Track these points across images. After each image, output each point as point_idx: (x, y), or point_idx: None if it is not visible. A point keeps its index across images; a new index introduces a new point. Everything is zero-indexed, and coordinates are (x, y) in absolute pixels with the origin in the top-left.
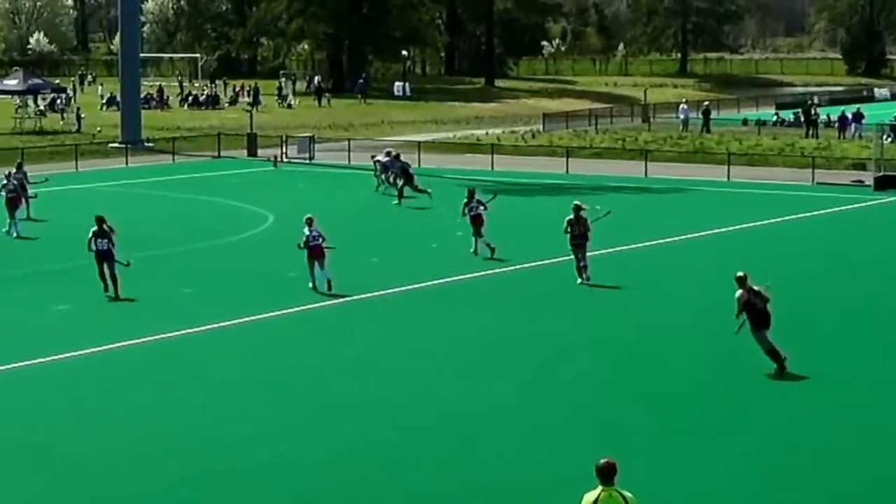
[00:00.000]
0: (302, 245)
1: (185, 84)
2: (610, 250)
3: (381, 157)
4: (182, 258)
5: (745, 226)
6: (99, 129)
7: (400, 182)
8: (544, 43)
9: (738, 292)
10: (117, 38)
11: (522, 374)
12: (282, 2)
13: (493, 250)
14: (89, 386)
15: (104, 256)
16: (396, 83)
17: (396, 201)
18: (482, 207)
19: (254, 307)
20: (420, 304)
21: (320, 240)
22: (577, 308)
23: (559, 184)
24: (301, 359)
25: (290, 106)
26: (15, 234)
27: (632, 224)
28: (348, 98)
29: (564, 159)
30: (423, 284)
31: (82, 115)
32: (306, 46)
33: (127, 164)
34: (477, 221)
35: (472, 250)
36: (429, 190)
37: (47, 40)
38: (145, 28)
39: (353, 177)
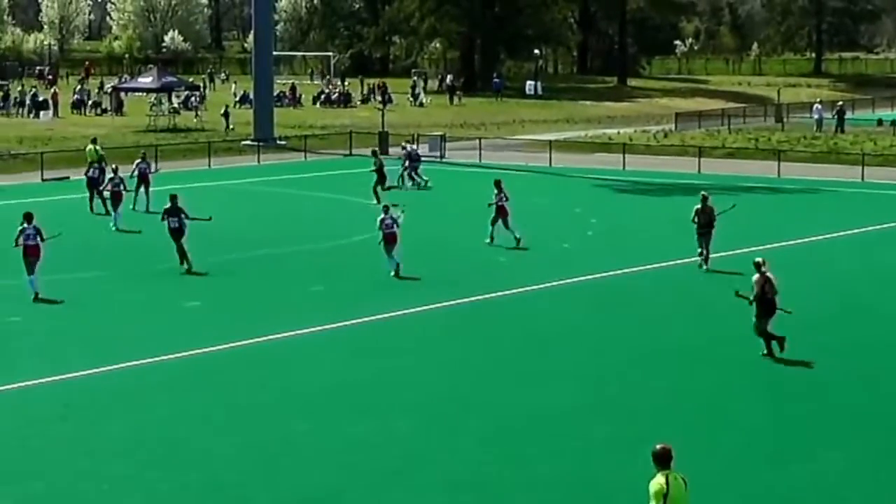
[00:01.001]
0: (379, 233)
1: (325, 80)
2: (743, 250)
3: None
4: (311, 256)
5: (879, 227)
6: (231, 126)
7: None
8: (677, 42)
9: (755, 276)
10: (251, 37)
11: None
12: (415, 1)
13: (518, 240)
14: (219, 382)
15: (176, 233)
16: (528, 82)
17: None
18: (506, 199)
19: (380, 306)
20: (542, 304)
21: (394, 227)
22: (707, 308)
23: (691, 184)
24: (427, 359)
25: (421, 104)
26: (115, 228)
27: (764, 224)
28: (480, 97)
29: (697, 159)
30: (547, 284)
31: (228, 114)
32: (438, 45)
33: (259, 161)
34: (501, 213)
35: (487, 241)
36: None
37: (182, 38)
38: (279, 26)
39: (484, 175)
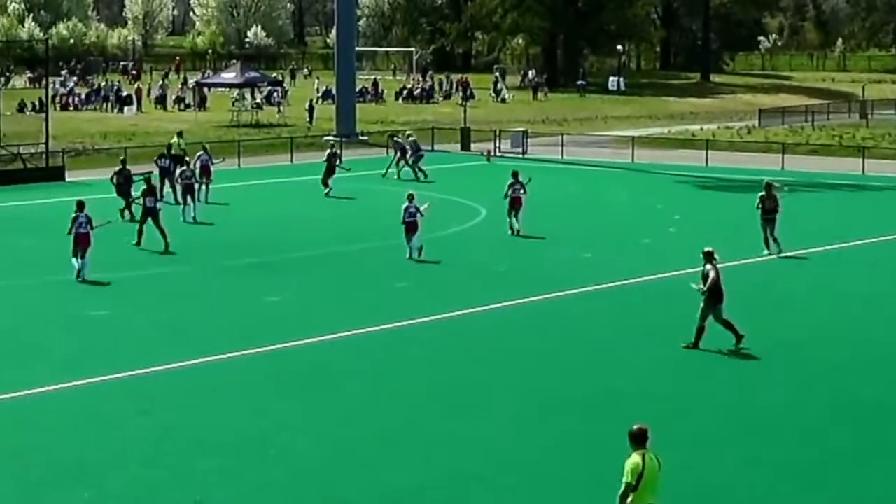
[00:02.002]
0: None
1: (410, 76)
2: (828, 247)
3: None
4: (395, 252)
5: None
6: (308, 121)
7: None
8: (761, 38)
9: (707, 267)
10: (333, 32)
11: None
12: None
13: (518, 231)
14: (302, 377)
15: (151, 212)
16: (611, 78)
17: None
18: (522, 191)
19: (464, 301)
20: (633, 299)
21: (417, 216)
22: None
23: (774, 180)
24: (515, 356)
25: (504, 100)
26: (190, 220)
27: (849, 221)
28: (562, 92)
29: (780, 155)
30: (629, 281)
31: (313, 108)
32: (521, 41)
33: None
34: (516, 203)
35: (508, 232)
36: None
37: (264, 34)
38: (361, 22)
39: (566, 171)
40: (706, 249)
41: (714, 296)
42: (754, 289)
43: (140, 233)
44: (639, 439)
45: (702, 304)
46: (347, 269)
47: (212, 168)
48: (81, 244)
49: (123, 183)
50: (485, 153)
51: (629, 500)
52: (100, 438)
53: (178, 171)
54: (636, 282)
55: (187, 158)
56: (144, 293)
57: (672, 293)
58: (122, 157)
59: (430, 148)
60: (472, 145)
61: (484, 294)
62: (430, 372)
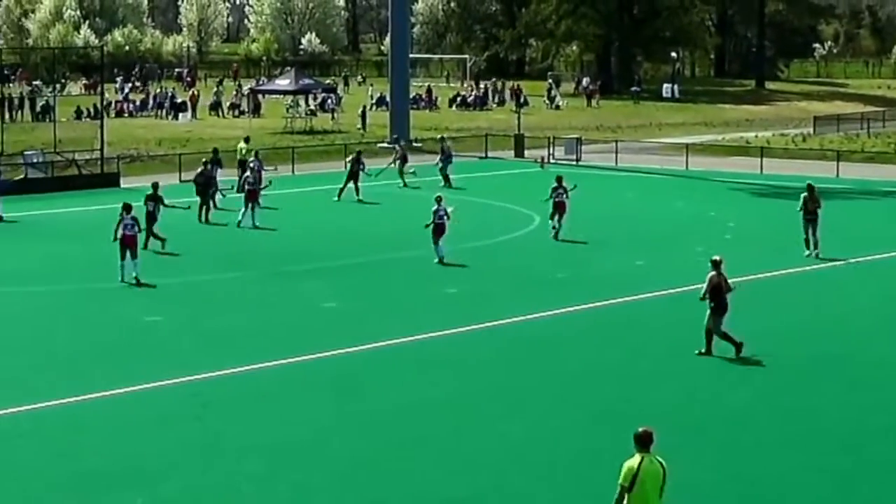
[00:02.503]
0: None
1: (465, 83)
2: (882, 255)
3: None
4: (448, 257)
5: None
6: (359, 127)
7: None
8: (816, 45)
9: (711, 273)
10: (387, 39)
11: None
12: (551, 3)
13: (557, 236)
14: (358, 382)
15: (149, 217)
16: (665, 84)
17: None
18: (565, 195)
19: (514, 308)
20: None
21: (445, 218)
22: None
23: (829, 188)
24: (560, 362)
25: (557, 107)
26: (249, 225)
27: None
28: (616, 99)
29: (835, 163)
30: (681, 289)
31: (366, 114)
32: (575, 48)
33: (394, 163)
34: (560, 208)
35: (553, 237)
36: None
37: (319, 41)
38: (415, 29)
39: (620, 178)
40: (713, 258)
41: (718, 304)
42: (806, 297)
43: (156, 237)
44: (643, 442)
45: (708, 313)
46: (400, 275)
47: (262, 174)
48: (129, 246)
49: (203, 184)
50: (538, 160)
51: (625, 502)
52: (152, 443)
53: (242, 176)
54: (689, 289)
55: (251, 165)
56: (199, 298)
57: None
58: (203, 160)
59: (483, 154)
60: (526, 152)
61: (535, 301)
62: (480, 378)
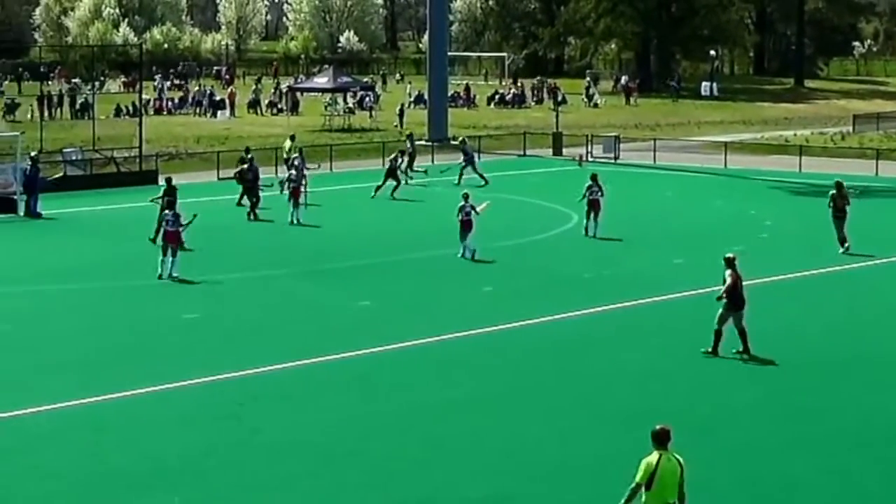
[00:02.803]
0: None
1: (508, 82)
2: None
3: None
4: (484, 256)
5: None
6: (396, 125)
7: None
8: (855, 43)
9: (727, 272)
10: (426, 37)
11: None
12: (590, 1)
13: (594, 234)
14: (387, 381)
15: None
16: (704, 83)
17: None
18: (600, 193)
19: (551, 306)
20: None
21: (471, 215)
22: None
23: (868, 186)
24: (598, 362)
25: (596, 105)
26: (295, 222)
27: None
28: (655, 97)
29: (874, 161)
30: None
31: (403, 112)
32: (614, 46)
33: (433, 161)
34: (595, 205)
35: (584, 234)
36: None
37: (357, 39)
38: (453, 27)
39: (658, 177)
40: (727, 256)
41: (733, 301)
42: (841, 296)
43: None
44: (660, 439)
45: (720, 310)
46: (436, 273)
47: (305, 171)
48: (170, 241)
49: (252, 179)
50: (577, 158)
51: (643, 499)
52: (189, 440)
53: (286, 175)
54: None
55: (295, 163)
56: (236, 296)
57: (762, 300)
58: (250, 155)
59: (522, 152)
60: (564, 150)
61: (572, 299)
62: (515, 377)
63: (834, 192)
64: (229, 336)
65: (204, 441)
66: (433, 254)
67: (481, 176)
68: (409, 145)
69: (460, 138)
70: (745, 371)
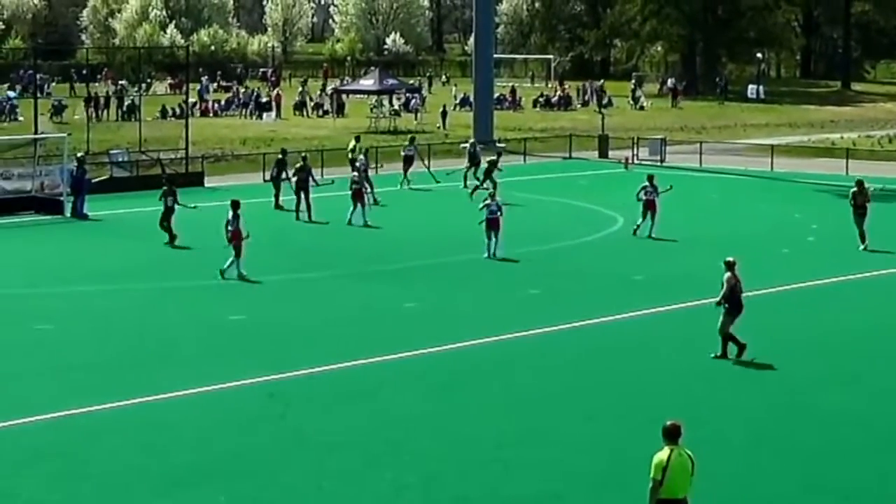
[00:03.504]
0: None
1: (553, 84)
2: None
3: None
4: (529, 259)
5: None
6: (438, 126)
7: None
8: None
9: (727, 275)
10: (471, 39)
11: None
12: (636, 4)
13: (635, 229)
14: (434, 383)
15: (168, 211)
16: (750, 85)
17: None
18: (655, 194)
19: (598, 309)
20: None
21: (498, 213)
22: None
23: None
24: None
25: (642, 108)
26: (360, 224)
27: None
28: (701, 100)
29: None
30: (768, 290)
31: (447, 114)
32: (660, 48)
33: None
34: (650, 206)
35: (644, 235)
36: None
37: (403, 41)
38: (499, 29)
39: (705, 179)
40: (728, 259)
41: (733, 306)
42: (883, 301)
43: (168, 231)
44: (671, 435)
45: (721, 316)
46: (483, 276)
47: (370, 174)
48: (234, 240)
49: (305, 179)
50: (623, 161)
51: (658, 494)
52: (235, 441)
53: (351, 175)
54: (773, 291)
55: (358, 164)
56: (283, 298)
57: (808, 303)
58: (303, 154)
59: (567, 155)
60: (610, 153)
61: (618, 302)
62: (565, 378)
63: (854, 189)
64: (275, 338)
65: (248, 441)
66: (480, 256)
67: (478, 179)
68: (410, 147)
69: (470, 140)
70: (805, 374)
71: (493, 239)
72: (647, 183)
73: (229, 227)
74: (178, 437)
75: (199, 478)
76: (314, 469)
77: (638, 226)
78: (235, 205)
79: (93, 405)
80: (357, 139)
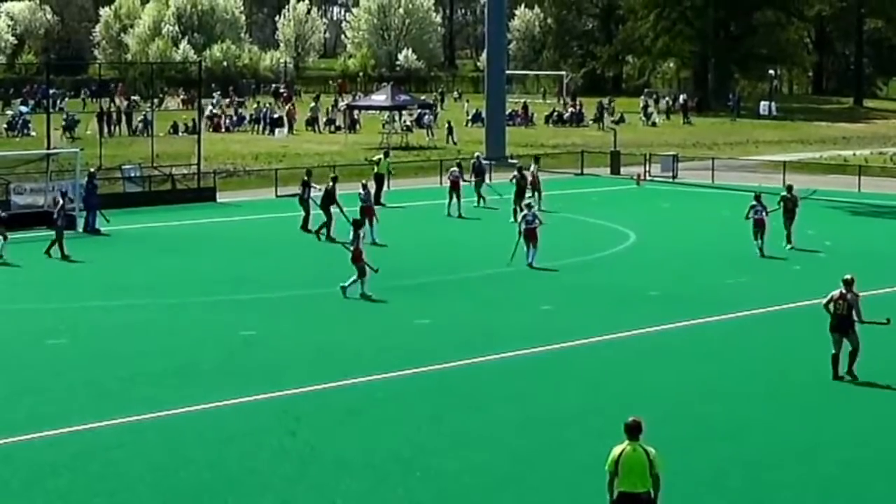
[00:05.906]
0: (520, 228)
1: (565, 100)
2: None
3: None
4: (541, 274)
5: None
6: (445, 140)
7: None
8: None
9: (850, 295)
10: (484, 55)
11: None
12: (648, 20)
13: (762, 252)
14: (447, 400)
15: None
16: (762, 102)
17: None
18: (764, 212)
19: (609, 325)
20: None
21: (535, 223)
22: None
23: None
24: (656, 379)
25: (654, 124)
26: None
27: None
28: (713, 116)
29: None
30: (778, 307)
31: (452, 129)
32: (672, 64)
33: (490, 180)
34: (759, 225)
35: (759, 254)
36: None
37: (415, 57)
38: (511, 45)
39: (717, 196)
40: (846, 277)
41: (835, 319)
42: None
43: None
44: (630, 431)
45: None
46: (494, 291)
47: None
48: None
49: (327, 198)
50: (635, 177)
51: (617, 486)
52: (246, 457)
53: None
54: (786, 308)
55: (363, 182)
56: (294, 313)
57: (820, 320)
58: (332, 175)
59: (579, 171)
60: (622, 169)
61: (629, 318)
62: (577, 395)
63: (785, 193)
64: (286, 353)
65: (260, 457)
66: (493, 272)
67: (479, 195)
68: (456, 171)
69: (475, 154)
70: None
71: (532, 248)
72: (755, 202)
73: (349, 247)
74: (190, 454)
75: (211, 494)
76: (324, 486)
77: (760, 248)
78: (357, 224)
79: (104, 420)
80: (386, 154)
